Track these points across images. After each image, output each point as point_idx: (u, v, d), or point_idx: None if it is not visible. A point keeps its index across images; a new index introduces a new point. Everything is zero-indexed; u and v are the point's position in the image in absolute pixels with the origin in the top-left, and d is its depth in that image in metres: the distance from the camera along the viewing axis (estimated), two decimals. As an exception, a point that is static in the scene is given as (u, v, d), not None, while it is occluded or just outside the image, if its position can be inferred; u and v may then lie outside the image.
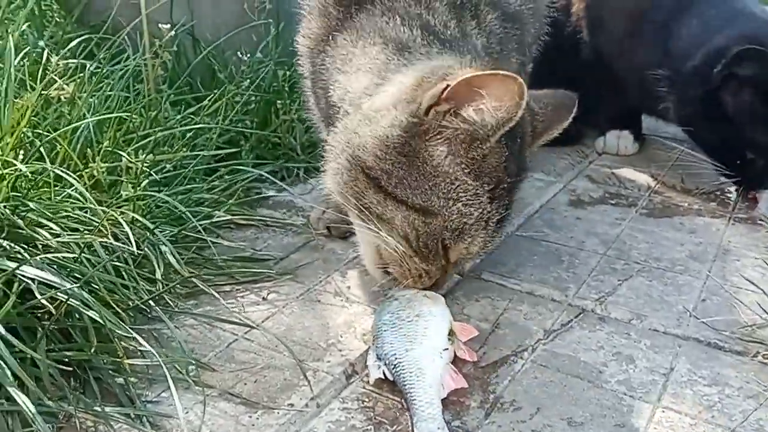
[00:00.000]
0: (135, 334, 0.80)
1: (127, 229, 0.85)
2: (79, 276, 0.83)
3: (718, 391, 0.87)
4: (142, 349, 0.84)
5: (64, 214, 0.90)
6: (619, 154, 1.73)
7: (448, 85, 0.85)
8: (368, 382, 0.87)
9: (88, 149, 1.11)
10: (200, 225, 1.08)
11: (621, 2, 1.65)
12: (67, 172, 0.91)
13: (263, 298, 1.05)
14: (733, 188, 1.50)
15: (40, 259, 0.77)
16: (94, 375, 0.82)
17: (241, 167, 1.28)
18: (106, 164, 1.10)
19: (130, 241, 0.87)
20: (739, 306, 1.04)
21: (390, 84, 0.94)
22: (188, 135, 1.30)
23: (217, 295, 0.95)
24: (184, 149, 1.26)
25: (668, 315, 1.03)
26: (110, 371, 0.83)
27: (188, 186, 1.18)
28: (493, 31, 1.06)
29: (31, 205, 0.84)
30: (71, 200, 0.93)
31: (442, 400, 0.82)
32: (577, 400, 0.84)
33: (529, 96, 0.92)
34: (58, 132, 0.99)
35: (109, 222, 0.92)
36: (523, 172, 0.98)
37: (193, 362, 0.86)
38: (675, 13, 1.54)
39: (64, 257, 0.80)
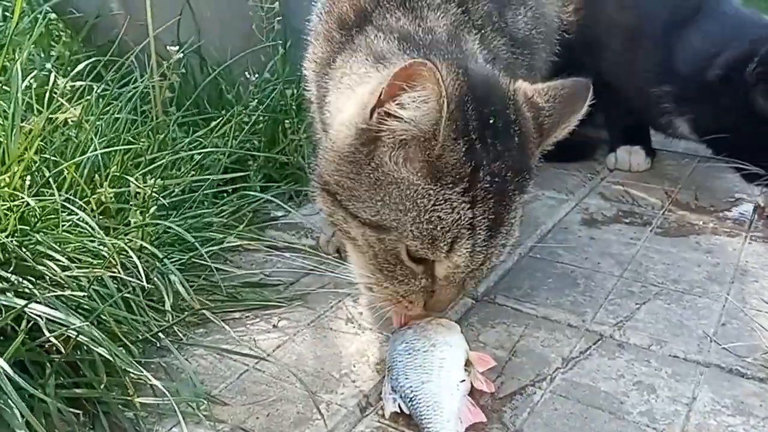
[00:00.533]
0: (144, 371, 0.78)
1: (135, 260, 0.83)
2: (88, 309, 0.81)
3: (743, 421, 0.84)
4: (152, 383, 0.82)
5: (72, 245, 0.89)
6: (631, 170, 1.71)
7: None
8: (383, 415, 0.85)
9: (96, 174, 1.09)
10: (209, 251, 1.06)
11: (611, 21, 1.65)
12: (75, 200, 0.89)
13: (273, 326, 1.03)
14: (750, 206, 1.48)
15: (49, 295, 0.76)
16: (104, 410, 0.81)
17: (249, 191, 1.27)
18: (114, 189, 1.08)
19: (139, 272, 0.85)
20: (759, 330, 1.02)
21: (357, 95, 0.91)
22: (196, 158, 1.29)
23: (227, 327, 0.93)
24: (193, 172, 1.24)
25: (688, 340, 1.00)
26: (120, 406, 0.82)
27: (197, 211, 1.16)
28: (499, 56, 1.03)
29: (39, 237, 0.82)
30: (79, 229, 0.92)
31: (460, 434, 0.79)
32: (598, 434, 0.82)
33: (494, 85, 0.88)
34: (68, 163, 0.98)
35: (118, 251, 0.91)
36: (522, 172, 0.87)
37: (204, 397, 0.84)
38: (670, 31, 1.54)
39: (72, 294, 0.79)
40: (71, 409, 0.76)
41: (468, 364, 0.88)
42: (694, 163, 1.76)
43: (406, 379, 0.85)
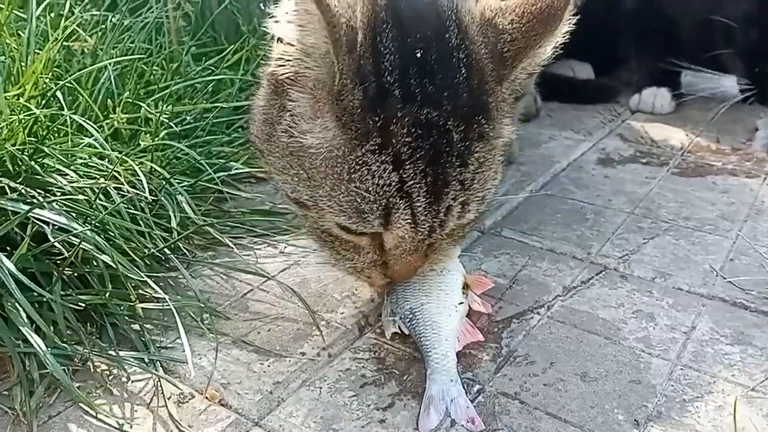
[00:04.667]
0: (147, 279, 0.80)
1: (141, 176, 0.85)
2: (95, 224, 0.83)
3: (741, 350, 0.84)
4: (157, 296, 0.84)
5: (81, 161, 0.91)
6: (654, 112, 1.68)
7: None
8: (381, 334, 0.86)
9: (109, 100, 1.11)
10: (218, 177, 1.08)
11: None
12: (83, 119, 0.91)
13: (280, 251, 1.05)
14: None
15: (54, 203, 0.78)
16: (110, 321, 0.84)
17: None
18: (127, 115, 1.10)
19: (146, 190, 0.87)
20: (769, 266, 1.00)
21: None
22: (210, 88, 1.30)
23: (231, 244, 0.95)
24: (205, 102, 1.25)
25: (693, 274, 0.99)
26: (126, 317, 0.85)
27: (207, 138, 1.17)
28: None
29: (47, 150, 0.84)
30: (89, 148, 0.93)
31: (456, 353, 0.81)
32: (592, 356, 0.82)
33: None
34: (73, 74, 0.98)
35: (127, 171, 0.93)
36: (474, 116, 0.71)
37: (207, 310, 0.86)
38: None
39: (77, 202, 0.81)
40: (79, 321, 0.79)
41: (465, 287, 0.89)
42: (719, 107, 1.72)
43: (406, 301, 0.86)
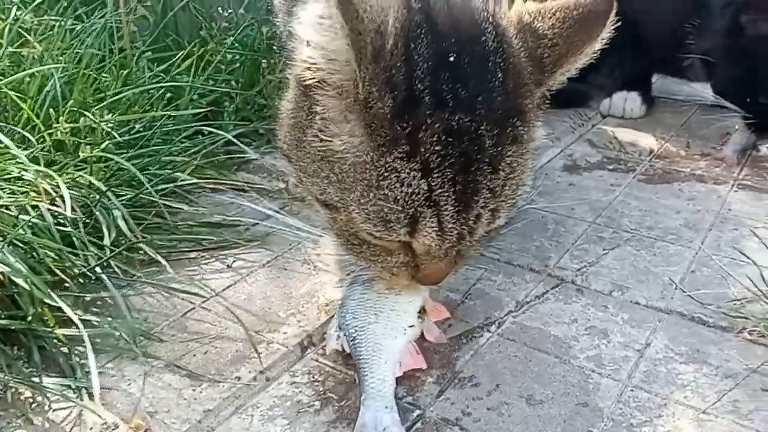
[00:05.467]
0: (61, 302, 0.76)
1: (64, 192, 0.80)
2: (20, 243, 0.80)
3: (695, 369, 0.81)
4: (85, 318, 0.80)
5: (12, 176, 0.87)
6: (624, 117, 1.65)
7: None
8: (323, 354, 0.83)
9: (52, 110, 1.07)
10: (164, 189, 1.04)
11: None
12: (4, 132, 0.86)
13: (228, 266, 1.01)
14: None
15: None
16: (38, 344, 0.80)
17: (215, 129, 1.23)
18: (71, 124, 1.06)
19: (68, 207, 0.82)
20: (729, 279, 0.97)
21: None
22: (166, 95, 1.26)
23: (163, 260, 0.91)
24: (162, 109, 1.21)
25: (652, 287, 0.96)
26: (55, 340, 0.81)
27: (156, 147, 1.13)
28: None
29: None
30: (15, 161, 0.89)
31: (397, 377, 0.77)
32: (540, 377, 0.79)
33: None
34: (7, 81, 0.94)
35: (64, 184, 0.89)
36: (509, 119, 0.69)
37: (139, 331, 0.83)
38: None
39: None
40: (6, 344, 0.75)
41: (422, 311, 0.85)
42: (691, 111, 1.69)
43: (354, 318, 0.83)
